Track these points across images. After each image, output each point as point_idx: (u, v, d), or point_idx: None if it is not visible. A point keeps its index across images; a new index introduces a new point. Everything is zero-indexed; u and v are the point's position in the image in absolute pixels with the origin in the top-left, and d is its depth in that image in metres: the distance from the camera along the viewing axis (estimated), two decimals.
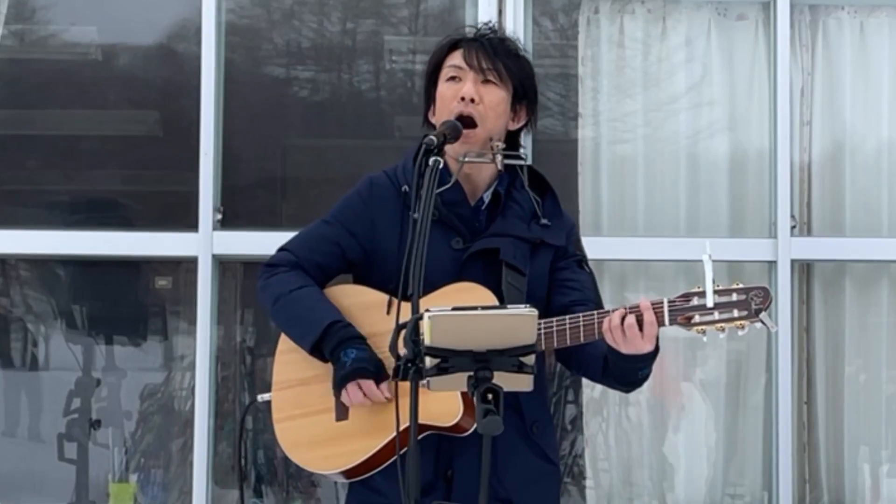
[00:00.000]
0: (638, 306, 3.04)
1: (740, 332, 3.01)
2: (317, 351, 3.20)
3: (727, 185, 5.26)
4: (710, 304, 2.99)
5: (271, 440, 5.59)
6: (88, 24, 5.87)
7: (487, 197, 3.30)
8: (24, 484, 5.57)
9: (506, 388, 2.67)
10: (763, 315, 2.98)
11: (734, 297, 3.00)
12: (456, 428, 3.10)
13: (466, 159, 3.20)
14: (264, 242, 5.06)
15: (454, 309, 2.70)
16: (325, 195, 5.85)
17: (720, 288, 3.01)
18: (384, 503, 3.17)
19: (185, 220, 5.21)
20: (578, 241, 3.36)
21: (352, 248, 3.28)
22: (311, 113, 6.18)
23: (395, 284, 3.10)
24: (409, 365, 2.71)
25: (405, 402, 2.80)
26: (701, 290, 3.01)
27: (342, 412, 3.20)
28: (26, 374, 6.03)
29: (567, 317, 3.10)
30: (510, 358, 2.68)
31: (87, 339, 5.81)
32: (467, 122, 3.19)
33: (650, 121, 5.28)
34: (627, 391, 3.30)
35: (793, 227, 5.09)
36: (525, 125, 3.36)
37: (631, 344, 3.02)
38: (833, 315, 5.22)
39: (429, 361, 2.67)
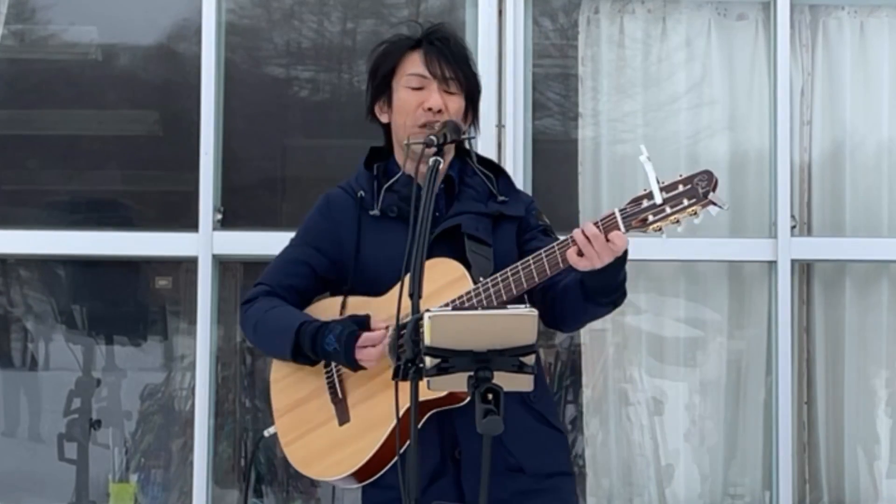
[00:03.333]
0: (587, 226, 3.05)
1: (696, 221, 3.03)
2: (299, 356, 3.24)
3: (727, 185, 5.25)
4: (659, 200, 3.02)
5: (271, 440, 5.59)
6: (88, 24, 5.87)
7: (441, 184, 3.31)
8: (24, 484, 5.57)
9: (506, 388, 2.67)
10: (712, 195, 3.00)
11: (681, 188, 3.03)
12: (452, 398, 3.09)
13: (410, 142, 3.22)
14: (264, 242, 5.09)
15: (454, 309, 2.71)
16: None
17: (665, 184, 3.03)
18: (396, 497, 3.19)
19: (185, 220, 5.21)
20: (541, 214, 3.39)
21: (321, 265, 3.34)
22: (311, 113, 6.18)
23: (348, 286, 3.25)
24: (409, 365, 2.72)
25: (402, 389, 2.85)
26: (647, 191, 3.04)
27: (344, 415, 3.23)
28: (26, 374, 6.03)
29: (530, 257, 3.11)
30: (510, 358, 2.69)
31: (87, 339, 5.82)
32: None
33: (650, 121, 5.28)
34: (612, 308, 3.25)
35: (793, 227, 5.09)
36: (471, 125, 3.40)
37: (606, 251, 3.03)
38: (833, 315, 5.22)
39: (429, 361, 2.68)
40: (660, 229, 3.03)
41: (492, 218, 3.28)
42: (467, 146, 3.37)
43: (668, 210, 3.02)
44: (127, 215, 6.00)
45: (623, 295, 3.21)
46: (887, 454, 5.22)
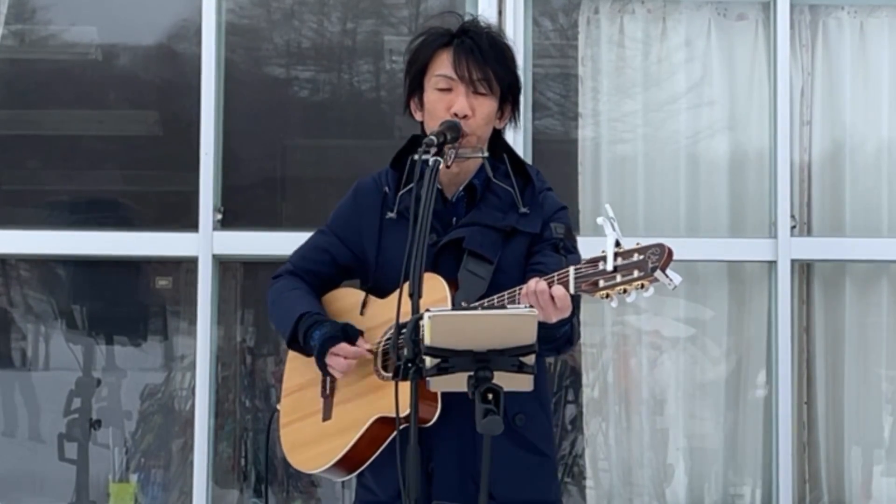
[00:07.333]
0: (536, 281, 2.97)
1: (645, 294, 2.87)
2: (296, 344, 3.25)
3: (727, 185, 5.26)
4: (609, 267, 2.86)
5: (271, 440, 5.60)
6: (88, 24, 5.88)
7: (461, 191, 3.28)
8: (24, 484, 5.58)
9: (506, 388, 2.68)
10: (658, 273, 2.82)
11: (634, 257, 2.86)
12: (420, 418, 3.03)
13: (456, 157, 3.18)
14: (264, 242, 5.10)
15: (454, 309, 2.71)
16: (325, 195, 5.87)
17: (622, 250, 2.87)
18: (375, 500, 3.19)
19: (185, 220, 5.21)
20: (560, 227, 3.26)
21: (342, 254, 3.33)
22: (311, 113, 6.19)
23: (370, 284, 3.23)
24: (410, 365, 2.72)
25: (381, 395, 2.91)
26: (604, 253, 2.89)
27: (328, 412, 3.25)
28: (26, 374, 6.04)
29: (495, 296, 3.04)
30: (510, 358, 2.69)
31: (87, 339, 5.82)
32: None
33: (650, 121, 5.28)
34: (555, 353, 3.23)
35: (793, 227, 5.09)
36: (509, 120, 3.34)
37: (550, 307, 2.94)
38: (833, 315, 5.22)
39: (429, 361, 2.68)
40: (607, 296, 2.88)
41: (502, 232, 3.20)
42: (483, 152, 3.25)
43: (619, 279, 2.86)
44: (127, 215, 6.01)
45: (568, 344, 3.15)
46: (887, 454, 5.22)
